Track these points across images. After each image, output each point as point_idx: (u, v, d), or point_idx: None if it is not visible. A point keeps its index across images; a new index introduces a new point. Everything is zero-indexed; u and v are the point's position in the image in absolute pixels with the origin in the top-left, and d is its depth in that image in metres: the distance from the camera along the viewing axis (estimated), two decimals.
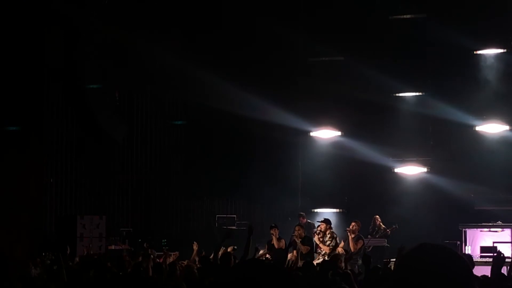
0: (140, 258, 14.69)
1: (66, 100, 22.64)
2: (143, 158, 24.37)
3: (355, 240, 17.54)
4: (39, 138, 22.19)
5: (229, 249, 14.44)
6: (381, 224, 20.33)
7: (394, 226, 20.10)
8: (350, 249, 17.32)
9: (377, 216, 20.47)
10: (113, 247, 20.90)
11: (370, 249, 19.73)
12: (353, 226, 17.83)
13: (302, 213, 21.20)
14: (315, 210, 23.21)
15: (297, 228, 17.82)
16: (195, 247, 16.17)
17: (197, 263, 13.95)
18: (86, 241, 20.73)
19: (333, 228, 18.15)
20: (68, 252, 15.81)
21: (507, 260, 13.11)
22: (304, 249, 17.10)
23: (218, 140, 23.54)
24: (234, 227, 23.01)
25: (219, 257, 13.51)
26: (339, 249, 17.34)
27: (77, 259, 15.99)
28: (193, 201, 24.29)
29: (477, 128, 22.37)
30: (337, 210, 23.08)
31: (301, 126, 23.33)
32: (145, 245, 17.79)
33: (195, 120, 24.22)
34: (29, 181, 21.60)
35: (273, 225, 17.84)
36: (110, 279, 10.89)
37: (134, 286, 10.06)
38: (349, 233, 17.62)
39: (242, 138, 23.44)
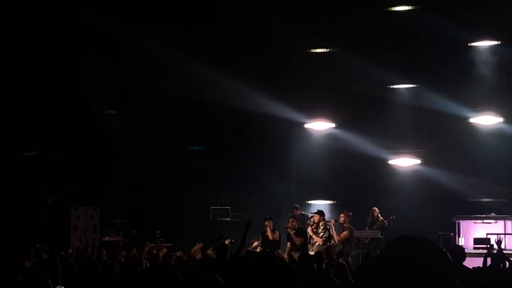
0: (134, 250, 14.72)
1: (62, 94, 22.62)
2: (138, 151, 24.38)
3: (342, 230, 17.57)
4: (36, 131, 22.19)
5: (226, 242, 14.46)
6: (379, 215, 20.38)
7: (391, 217, 20.15)
8: (334, 239, 17.35)
9: (376, 208, 20.52)
10: (107, 238, 20.91)
11: (367, 240, 19.81)
12: (342, 217, 17.87)
13: (296, 205, 21.26)
14: (309, 202, 23.27)
15: (290, 220, 17.84)
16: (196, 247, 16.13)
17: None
18: (80, 232, 20.78)
19: (326, 220, 18.12)
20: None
21: (502, 250, 13.17)
22: (297, 240, 17.16)
23: (212, 132, 23.51)
24: (228, 219, 23.06)
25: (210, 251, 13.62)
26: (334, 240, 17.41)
27: (70, 250, 15.99)
28: (187, 193, 24.28)
29: (471, 120, 22.40)
30: (331, 202, 23.11)
31: (295, 118, 23.35)
32: (139, 236, 17.83)
33: (190, 114, 24.20)
34: (25, 174, 21.58)
35: (268, 216, 17.84)
36: (103, 270, 10.90)
37: (128, 277, 10.08)
38: (333, 225, 17.66)
39: (236, 130, 23.43)
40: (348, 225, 17.75)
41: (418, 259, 2.56)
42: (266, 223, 17.61)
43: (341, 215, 17.98)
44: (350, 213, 18.09)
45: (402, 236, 2.67)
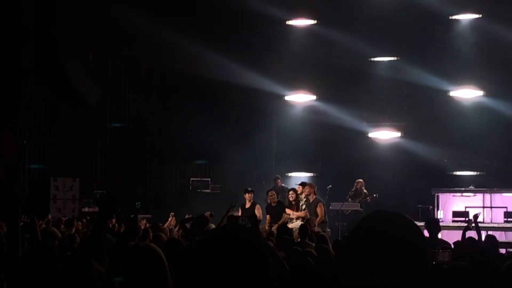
0: (114, 221, 14.67)
1: (39, 62, 22.45)
2: (117, 121, 24.29)
3: (315, 203, 17.37)
4: (13, 101, 22.04)
5: (206, 214, 14.49)
6: (363, 188, 20.41)
7: (374, 195, 20.19)
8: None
9: (360, 180, 20.54)
10: (86, 209, 20.88)
11: (348, 212, 19.90)
12: (307, 190, 17.60)
13: (278, 175, 21.29)
14: (289, 174, 23.29)
15: (270, 193, 17.87)
16: (171, 218, 16.14)
17: (176, 231, 13.96)
18: (59, 203, 20.71)
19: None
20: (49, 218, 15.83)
21: (479, 224, 13.27)
22: (303, 213, 17.04)
23: (192, 104, 23.42)
24: (208, 190, 23.08)
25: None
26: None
27: (49, 215, 15.97)
28: (167, 164, 24.26)
29: (451, 94, 22.45)
30: (311, 175, 23.13)
31: (275, 90, 23.31)
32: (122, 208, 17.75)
33: (169, 84, 24.11)
34: (3, 143, 21.47)
35: (249, 189, 17.87)
36: (80, 240, 10.87)
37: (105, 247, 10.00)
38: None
39: (216, 102, 23.37)
40: (315, 196, 17.41)
41: (393, 233, 2.58)
42: (246, 195, 17.67)
43: (305, 187, 17.62)
44: (314, 185, 17.93)
45: (378, 211, 2.70)
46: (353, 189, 20.46)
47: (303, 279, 7.17)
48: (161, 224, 14.88)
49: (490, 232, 15.89)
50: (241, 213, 17.37)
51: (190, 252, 9.63)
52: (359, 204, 19.93)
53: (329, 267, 8.29)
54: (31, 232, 9.44)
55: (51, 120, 22.75)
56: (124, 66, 24.14)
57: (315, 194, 17.53)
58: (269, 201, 17.81)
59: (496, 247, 11.00)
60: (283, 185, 20.96)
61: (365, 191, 20.37)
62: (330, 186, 20.25)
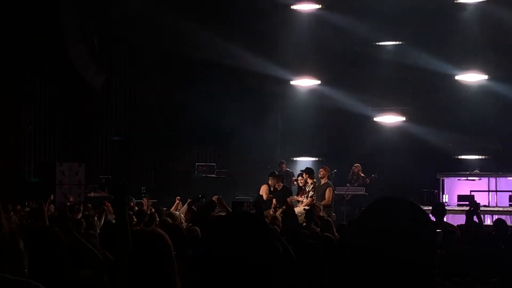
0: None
1: (44, 47, 22.49)
2: (122, 106, 24.33)
3: (324, 187, 17.40)
4: (18, 86, 22.10)
5: (213, 198, 14.55)
6: (360, 172, 20.42)
7: (373, 175, 20.21)
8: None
9: (357, 165, 20.55)
10: (92, 194, 20.95)
11: (349, 197, 19.86)
12: (321, 172, 17.65)
13: (283, 160, 21.25)
14: (294, 159, 23.30)
15: (270, 179, 17.81)
16: (177, 201, 16.15)
17: (183, 216, 13.98)
18: (65, 188, 20.78)
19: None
20: (52, 199, 15.85)
21: (481, 208, 13.29)
22: (309, 201, 17.05)
23: (197, 88, 23.41)
24: (213, 175, 23.10)
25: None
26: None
27: (51, 196, 16.04)
28: (172, 149, 24.27)
29: (457, 78, 22.42)
30: (316, 159, 23.13)
31: (280, 74, 23.28)
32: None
33: (174, 69, 24.08)
34: (8, 128, 21.55)
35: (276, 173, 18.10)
36: (87, 225, 10.90)
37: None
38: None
39: (221, 86, 23.34)
40: (327, 180, 17.53)
41: (401, 216, 2.60)
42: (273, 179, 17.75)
43: (320, 169, 17.75)
44: (329, 169, 17.96)
45: (385, 197, 2.70)
46: (351, 174, 20.48)
47: (308, 262, 7.19)
48: (166, 209, 14.88)
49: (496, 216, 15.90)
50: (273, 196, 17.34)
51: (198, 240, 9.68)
52: (363, 189, 19.92)
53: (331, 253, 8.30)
54: (39, 217, 9.50)
55: (56, 105, 22.79)
56: (129, 50, 24.12)
57: (328, 178, 17.52)
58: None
59: (506, 231, 11.00)
60: (287, 169, 20.94)
61: (362, 175, 20.37)
62: (335, 170, 20.24)
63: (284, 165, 20.81)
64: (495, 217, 16.31)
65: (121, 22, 22.65)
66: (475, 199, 14.43)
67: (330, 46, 22.69)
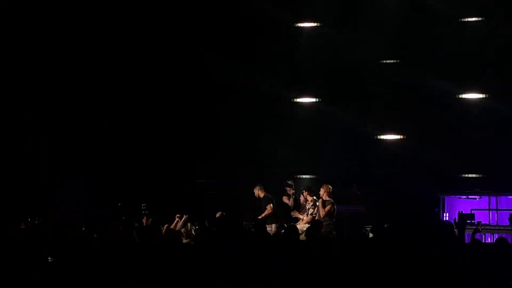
0: (122, 225, 14.61)
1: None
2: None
3: (326, 203, 17.22)
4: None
5: (217, 215, 14.60)
6: (357, 191, 20.44)
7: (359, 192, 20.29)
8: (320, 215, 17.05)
9: (355, 184, 20.58)
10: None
11: (348, 215, 19.85)
12: (322, 190, 17.50)
13: (289, 182, 20.74)
14: (295, 176, 23.22)
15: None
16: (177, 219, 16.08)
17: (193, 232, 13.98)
18: (66, 205, 20.75)
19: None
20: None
21: (484, 227, 13.34)
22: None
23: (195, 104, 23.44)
24: (213, 192, 22.97)
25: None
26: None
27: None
28: (174, 164, 24.14)
29: (457, 96, 22.44)
30: (314, 177, 23.04)
31: (281, 92, 23.29)
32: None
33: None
34: None
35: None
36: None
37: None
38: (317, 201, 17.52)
39: (220, 108, 23.39)
40: (328, 198, 17.28)
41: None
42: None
43: (321, 188, 17.57)
44: (330, 186, 17.81)
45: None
46: (349, 192, 20.53)
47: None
48: (164, 227, 14.77)
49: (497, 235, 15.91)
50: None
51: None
52: (364, 206, 19.91)
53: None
54: (42, 232, 9.54)
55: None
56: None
57: (329, 196, 17.25)
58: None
59: (507, 249, 11.01)
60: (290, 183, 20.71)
61: (358, 193, 20.37)
62: (336, 188, 20.18)
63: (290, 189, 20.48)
64: (496, 235, 16.35)
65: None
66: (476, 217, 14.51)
67: (331, 64, 22.76)
